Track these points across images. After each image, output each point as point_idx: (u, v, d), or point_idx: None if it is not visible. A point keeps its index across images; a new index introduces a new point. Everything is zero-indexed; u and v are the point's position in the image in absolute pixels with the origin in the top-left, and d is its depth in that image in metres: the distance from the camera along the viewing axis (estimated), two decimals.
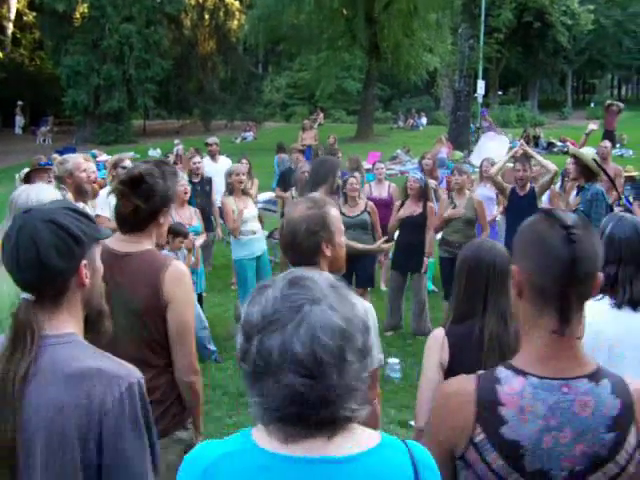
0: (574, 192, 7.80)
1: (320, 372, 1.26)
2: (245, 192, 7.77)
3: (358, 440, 1.36)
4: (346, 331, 1.29)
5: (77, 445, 1.69)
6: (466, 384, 1.70)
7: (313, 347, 1.26)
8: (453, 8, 27.22)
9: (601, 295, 2.83)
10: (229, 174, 7.66)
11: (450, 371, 2.77)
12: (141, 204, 2.80)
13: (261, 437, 1.36)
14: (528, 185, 7.35)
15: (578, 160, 6.67)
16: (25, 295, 1.80)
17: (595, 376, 1.66)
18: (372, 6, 28.88)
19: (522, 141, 9.08)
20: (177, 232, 6.74)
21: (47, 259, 1.76)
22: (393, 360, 6.55)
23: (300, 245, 2.65)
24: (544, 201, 8.04)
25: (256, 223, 7.72)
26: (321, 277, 1.38)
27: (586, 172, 6.66)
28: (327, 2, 28.71)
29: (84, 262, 1.84)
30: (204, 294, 7.89)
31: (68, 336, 1.81)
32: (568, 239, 1.61)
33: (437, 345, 2.83)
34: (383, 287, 9.07)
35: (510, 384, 1.65)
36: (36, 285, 1.79)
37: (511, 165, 8.46)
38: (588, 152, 7.17)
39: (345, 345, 1.29)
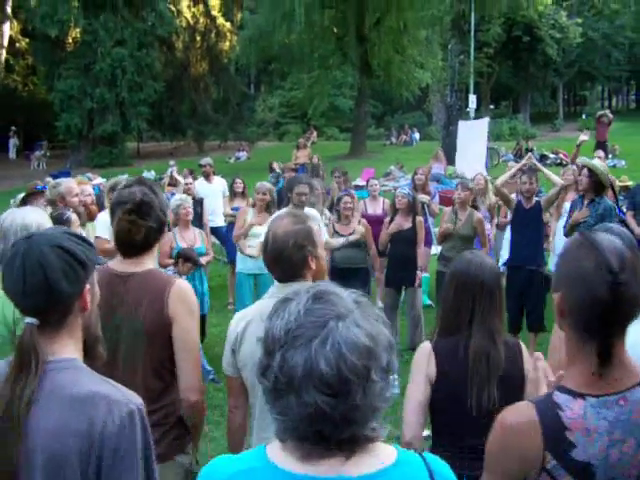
0: (567, 203, 7.80)
1: (345, 391, 1.24)
2: (269, 210, 7.67)
3: (375, 458, 1.34)
4: (372, 350, 1.27)
5: (77, 469, 1.69)
6: (527, 413, 1.69)
7: (339, 365, 1.22)
8: (442, 25, 27.47)
9: None
10: (255, 191, 7.83)
11: (437, 385, 2.78)
12: (151, 224, 2.84)
13: (277, 455, 1.34)
14: (534, 198, 7.35)
15: (592, 173, 6.65)
16: (29, 320, 1.79)
17: None
18: (362, 24, 29.08)
19: (530, 154, 9.08)
20: (187, 257, 6.72)
21: (56, 284, 1.77)
22: (391, 376, 6.54)
23: (288, 259, 2.67)
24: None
25: (254, 251, 7.68)
26: (345, 292, 1.34)
27: (598, 185, 6.67)
28: (317, 21, 28.93)
29: (87, 286, 1.86)
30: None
31: (70, 361, 1.81)
32: (614, 287, 1.61)
33: (424, 359, 2.82)
34: (380, 304, 9.07)
35: (571, 408, 1.66)
36: (42, 310, 1.79)
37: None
38: (602, 165, 7.15)
39: (371, 364, 1.26)
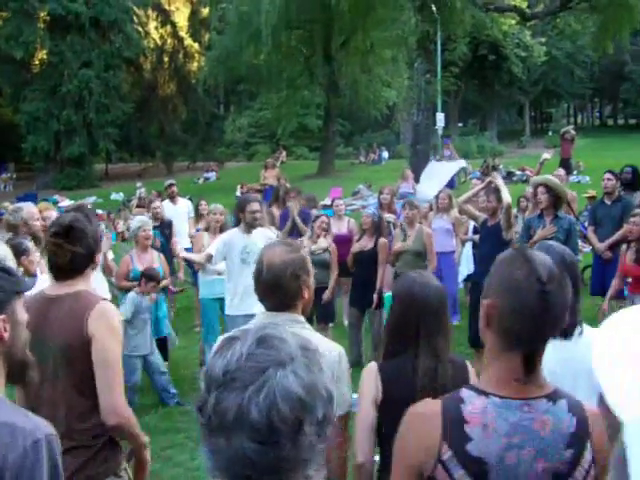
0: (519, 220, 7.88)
1: (274, 440, 1.22)
2: (222, 231, 7.67)
3: None
4: (307, 403, 1.25)
5: None
6: (432, 405, 1.76)
7: (270, 415, 1.21)
8: (408, 44, 27.67)
9: None
10: (208, 213, 7.76)
11: (383, 406, 2.77)
12: (77, 250, 2.85)
13: None
14: (498, 216, 7.43)
15: (550, 189, 6.73)
16: None
17: (553, 396, 1.74)
18: (329, 44, 29.34)
19: (495, 173, 9.18)
20: (150, 277, 6.74)
21: None
22: (355, 395, 6.52)
23: (286, 289, 2.63)
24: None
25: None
26: (293, 338, 1.33)
27: (557, 201, 6.75)
28: (285, 41, 29.09)
29: (2, 317, 1.86)
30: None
31: None
32: (542, 296, 1.68)
33: (370, 380, 2.81)
34: (346, 323, 9.08)
35: (473, 403, 1.71)
36: None
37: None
38: (557, 180, 7.24)
39: (304, 416, 1.24)
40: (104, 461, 2.82)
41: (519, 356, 1.71)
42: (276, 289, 2.64)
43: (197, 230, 9.63)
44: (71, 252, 2.85)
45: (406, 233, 7.74)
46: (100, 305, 2.85)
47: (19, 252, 4.42)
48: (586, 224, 11.80)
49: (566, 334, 2.83)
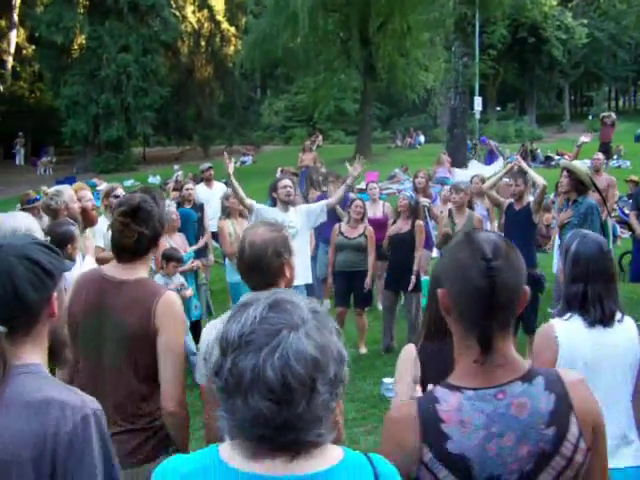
0: (555, 205, 7.80)
1: (288, 399, 1.28)
2: (242, 215, 7.80)
3: (321, 458, 1.37)
4: (319, 361, 1.30)
5: (31, 474, 1.70)
6: (408, 408, 1.73)
7: (284, 374, 1.27)
8: (445, 27, 27.40)
9: (569, 314, 2.86)
10: (226, 197, 7.73)
11: (422, 386, 2.78)
12: (144, 231, 2.88)
13: (227, 453, 1.38)
14: (525, 199, 7.34)
15: (571, 173, 6.66)
16: None
17: (528, 376, 1.70)
18: (366, 27, 29.12)
19: (518, 156, 9.08)
20: (170, 257, 6.79)
21: (23, 294, 1.82)
22: (388, 380, 6.54)
23: (267, 267, 2.68)
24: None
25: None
26: (303, 301, 1.38)
27: (579, 186, 6.67)
28: (321, 25, 28.98)
29: (55, 294, 1.90)
30: (205, 318, 7.87)
31: (32, 366, 1.84)
32: (487, 272, 1.63)
33: (410, 361, 2.83)
34: (380, 306, 9.08)
35: (447, 401, 1.68)
36: (10, 318, 1.82)
37: (506, 180, 8.51)
38: (581, 165, 7.16)
39: (317, 375, 1.30)
40: (158, 442, 2.89)
41: (474, 337, 1.67)
42: (258, 267, 2.70)
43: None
44: (137, 232, 2.87)
45: (453, 218, 7.65)
46: (166, 295, 2.89)
47: (65, 240, 4.45)
48: (625, 209, 11.62)
49: (604, 321, 2.81)
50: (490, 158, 23.26)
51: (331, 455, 1.40)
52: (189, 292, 7.01)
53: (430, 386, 1.85)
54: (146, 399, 2.87)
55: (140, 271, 2.94)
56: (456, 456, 1.64)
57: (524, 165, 7.89)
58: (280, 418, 1.28)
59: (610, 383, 2.81)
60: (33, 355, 1.87)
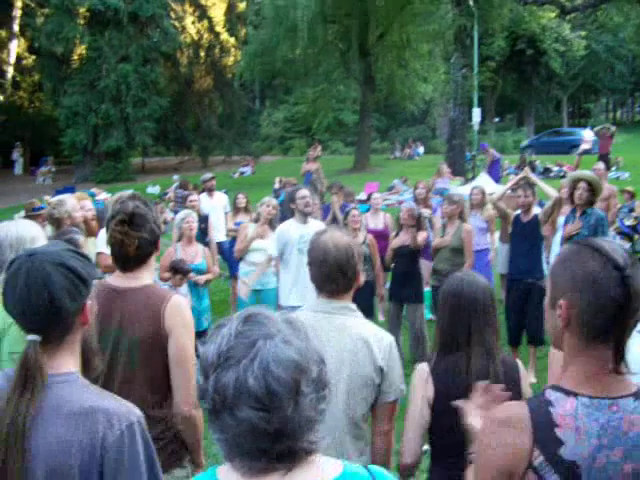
0: (562, 217, 7.79)
1: (275, 405, 1.27)
2: (272, 225, 7.72)
3: (319, 471, 1.36)
4: (299, 363, 1.30)
5: None
6: (518, 409, 1.70)
7: (266, 380, 1.27)
8: (445, 39, 27.51)
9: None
10: (261, 204, 7.79)
11: (436, 406, 2.78)
12: (144, 235, 2.87)
13: (223, 473, 1.38)
14: (532, 211, 7.35)
15: (591, 186, 6.66)
16: (32, 337, 1.82)
17: (639, 394, 1.69)
18: (365, 39, 29.21)
19: (527, 168, 9.09)
20: (176, 269, 6.75)
21: (60, 302, 1.81)
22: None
23: (354, 269, 2.69)
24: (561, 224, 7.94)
25: (262, 257, 7.56)
26: (276, 314, 1.39)
27: (592, 197, 6.69)
28: (321, 36, 29.04)
29: (88, 302, 1.91)
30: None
31: (69, 375, 1.85)
32: (623, 282, 1.63)
33: (422, 381, 2.82)
34: (381, 318, 9.06)
35: (563, 405, 1.66)
36: (45, 327, 1.82)
37: (509, 192, 8.53)
38: (594, 175, 7.16)
39: (300, 377, 1.30)
40: (172, 453, 2.89)
41: (608, 349, 1.66)
42: (346, 268, 2.68)
43: (237, 224, 9.65)
44: (137, 239, 2.86)
45: (445, 228, 7.69)
46: (174, 299, 2.88)
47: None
48: (625, 220, 11.63)
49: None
50: (493, 169, 23.16)
51: (330, 469, 1.38)
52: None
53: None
54: (157, 406, 2.86)
55: (145, 278, 2.94)
56: (568, 462, 1.62)
57: (534, 177, 7.90)
58: (271, 426, 1.28)
59: None
60: (68, 363, 1.86)
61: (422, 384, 2.81)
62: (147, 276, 2.95)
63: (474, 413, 2.01)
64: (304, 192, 6.66)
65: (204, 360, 1.35)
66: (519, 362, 2.95)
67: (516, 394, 2.76)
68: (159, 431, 2.82)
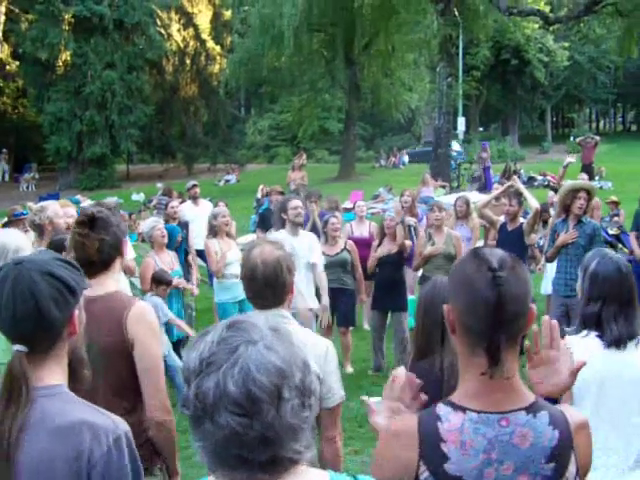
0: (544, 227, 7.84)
1: (255, 410, 1.24)
2: (229, 235, 7.81)
3: None
4: (282, 369, 1.27)
5: None
6: (409, 423, 1.70)
7: (247, 385, 1.24)
8: (430, 48, 27.68)
9: (586, 331, 2.86)
10: (214, 216, 7.71)
11: None
12: (105, 237, 2.83)
13: None
14: (518, 220, 7.37)
15: (590, 195, 6.72)
16: (18, 347, 1.79)
17: (532, 408, 1.67)
18: (351, 47, 29.36)
19: (515, 177, 9.14)
20: (160, 280, 6.73)
21: (46, 311, 1.78)
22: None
23: (283, 284, 2.71)
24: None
25: (239, 267, 7.66)
26: (261, 321, 1.36)
27: (587, 207, 6.75)
28: (306, 44, 29.14)
29: (76, 311, 1.88)
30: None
31: (56, 387, 1.82)
32: (494, 282, 1.62)
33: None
34: (366, 326, 9.06)
35: (450, 420, 1.66)
36: (31, 337, 1.79)
37: (493, 201, 8.57)
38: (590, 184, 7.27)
39: (282, 382, 1.27)
40: (141, 460, 2.84)
41: (482, 350, 1.64)
42: (273, 285, 2.71)
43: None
44: (98, 240, 2.82)
45: (431, 237, 7.65)
46: (137, 306, 2.84)
47: (60, 248, 4.43)
48: (609, 230, 11.70)
49: (618, 343, 2.81)
50: (487, 174, 23.21)
51: (314, 479, 1.36)
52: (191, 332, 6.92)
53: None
54: (125, 413, 2.75)
55: (108, 285, 2.88)
56: (453, 477, 1.61)
57: (520, 186, 7.94)
58: (252, 433, 1.25)
59: (622, 404, 2.81)
60: (55, 375, 1.84)
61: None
62: (111, 284, 2.90)
63: (384, 412, 1.99)
64: (296, 202, 6.65)
65: (186, 368, 1.32)
66: None
67: None
68: None
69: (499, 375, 1.65)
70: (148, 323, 2.84)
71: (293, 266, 2.80)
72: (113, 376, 2.80)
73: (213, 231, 7.68)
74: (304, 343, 2.64)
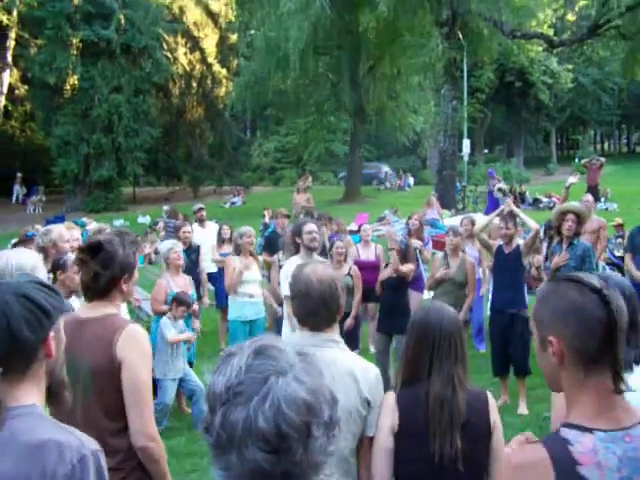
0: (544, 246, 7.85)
1: (285, 448, 1.23)
2: (252, 254, 7.91)
3: None
4: (312, 405, 1.26)
5: None
6: (537, 451, 1.68)
7: (278, 422, 1.22)
8: (435, 71, 27.83)
9: None
10: (240, 235, 7.80)
11: (400, 435, 2.73)
12: (100, 270, 2.86)
13: None
14: (514, 242, 7.38)
15: (579, 218, 6.73)
16: None
17: None
18: (356, 70, 29.53)
19: (509, 199, 9.14)
20: (181, 301, 6.80)
21: (18, 332, 1.79)
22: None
23: (337, 303, 2.70)
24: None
25: (256, 288, 7.77)
26: (288, 346, 1.34)
27: (579, 228, 6.77)
28: (312, 67, 29.31)
29: (52, 334, 1.88)
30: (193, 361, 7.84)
31: (28, 407, 1.82)
32: (603, 301, 1.67)
33: (388, 410, 2.77)
34: (372, 349, 9.04)
35: (581, 442, 1.65)
36: (5, 357, 1.80)
37: (496, 222, 8.55)
38: (582, 207, 7.25)
39: (311, 420, 1.25)
40: None
41: (605, 369, 1.68)
42: (329, 302, 2.67)
43: (223, 255, 9.67)
44: (93, 272, 2.86)
45: (448, 260, 7.66)
46: (128, 328, 2.85)
47: (57, 266, 4.51)
48: (615, 251, 11.70)
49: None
50: (491, 200, 23.18)
51: None
52: (193, 337, 7.04)
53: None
54: (115, 435, 2.80)
55: (108, 309, 2.91)
56: None
57: (515, 208, 7.95)
58: (278, 469, 1.23)
59: None
60: (30, 396, 1.84)
61: (389, 413, 2.77)
62: (110, 308, 2.93)
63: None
64: (311, 226, 6.36)
65: (211, 392, 1.29)
66: (489, 393, 2.90)
67: (483, 424, 2.76)
68: (118, 461, 2.76)
69: (624, 388, 1.69)
70: (137, 345, 2.84)
71: (344, 287, 2.79)
72: (104, 397, 2.81)
73: (237, 249, 7.76)
74: (355, 367, 2.68)
